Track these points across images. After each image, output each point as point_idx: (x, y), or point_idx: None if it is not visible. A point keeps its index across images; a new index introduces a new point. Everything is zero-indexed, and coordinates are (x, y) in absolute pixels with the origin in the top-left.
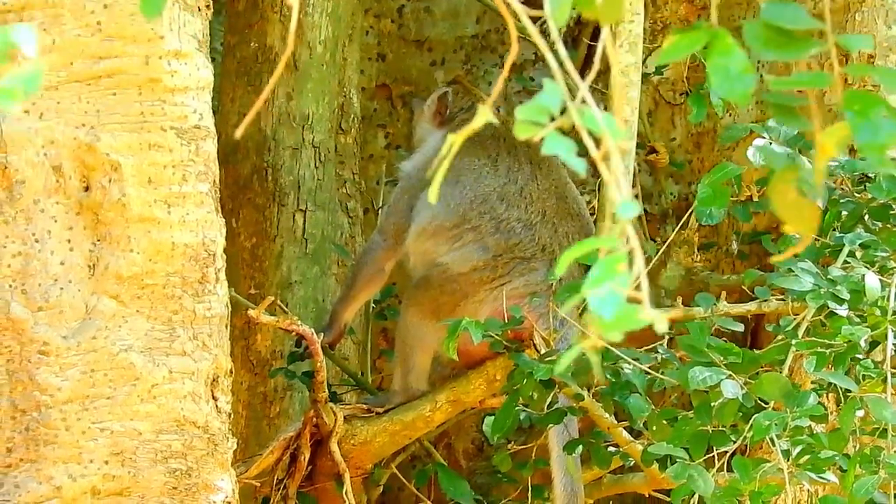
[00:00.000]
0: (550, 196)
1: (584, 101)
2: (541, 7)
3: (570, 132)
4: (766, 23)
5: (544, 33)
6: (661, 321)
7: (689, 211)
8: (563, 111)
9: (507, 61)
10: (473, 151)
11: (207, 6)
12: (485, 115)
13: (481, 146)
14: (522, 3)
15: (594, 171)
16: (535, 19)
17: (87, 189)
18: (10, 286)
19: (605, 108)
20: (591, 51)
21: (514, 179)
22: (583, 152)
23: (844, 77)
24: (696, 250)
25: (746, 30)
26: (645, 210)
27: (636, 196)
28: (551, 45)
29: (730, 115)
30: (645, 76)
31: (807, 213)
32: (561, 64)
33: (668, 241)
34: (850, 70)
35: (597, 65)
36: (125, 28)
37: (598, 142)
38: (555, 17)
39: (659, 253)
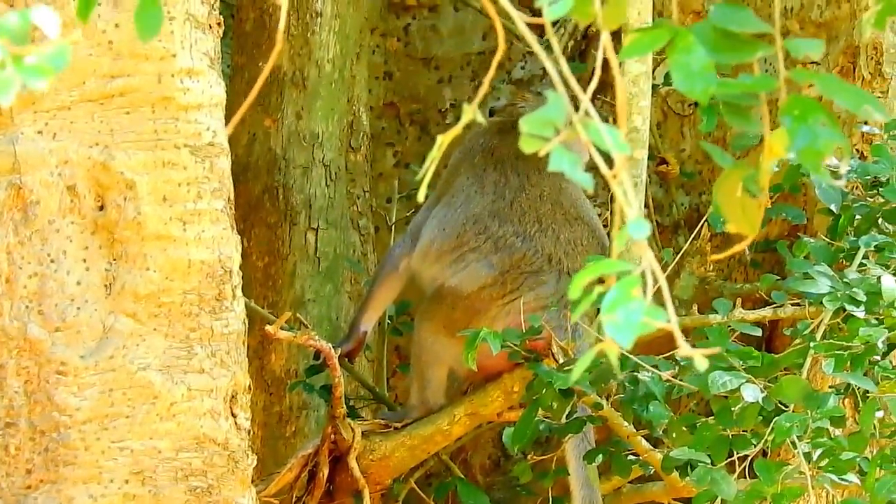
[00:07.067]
0: (544, 203)
1: (587, 114)
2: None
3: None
4: (714, 25)
5: (550, 49)
6: (699, 357)
7: (702, 220)
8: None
9: (493, 62)
10: (465, 170)
11: (219, 24)
12: (470, 113)
13: (471, 164)
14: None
15: (604, 183)
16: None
17: (101, 208)
18: (27, 307)
19: (614, 121)
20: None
21: (501, 195)
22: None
23: (789, 81)
24: (708, 260)
25: (695, 32)
26: (657, 221)
27: (647, 207)
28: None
29: None
30: (654, 87)
31: (749, 213)
32: (563, 76)
33: (682, 251)
34: (794, 75)
35: (598, 74)
36: (137, 47)
37: (604, 155)
38: (550, 17)
39: (673, 262)
